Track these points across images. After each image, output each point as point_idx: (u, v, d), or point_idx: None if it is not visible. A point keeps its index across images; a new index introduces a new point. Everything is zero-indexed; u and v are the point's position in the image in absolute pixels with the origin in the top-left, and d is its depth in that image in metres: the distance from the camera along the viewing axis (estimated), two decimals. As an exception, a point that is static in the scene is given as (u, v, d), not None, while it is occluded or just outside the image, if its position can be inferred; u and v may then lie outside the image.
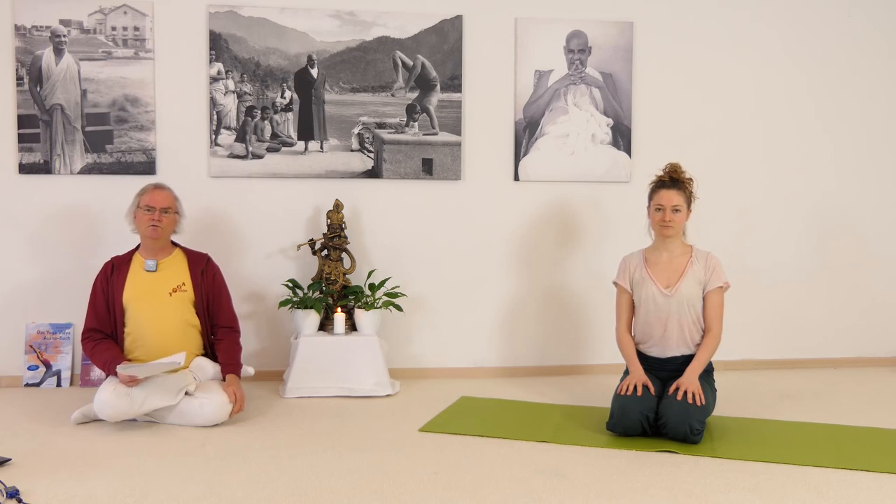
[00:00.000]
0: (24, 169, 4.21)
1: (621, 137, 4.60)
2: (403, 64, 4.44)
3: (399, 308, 4.20)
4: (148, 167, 4.27)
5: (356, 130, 4.42)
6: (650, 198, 3.54)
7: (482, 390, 4.19)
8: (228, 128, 4.32)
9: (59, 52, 4.19)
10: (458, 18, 4.46)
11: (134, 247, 3.71)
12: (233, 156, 4.33)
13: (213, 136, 4.31)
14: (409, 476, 2.82)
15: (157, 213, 3.57)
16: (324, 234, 4.25)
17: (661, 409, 3.26)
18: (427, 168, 4.46)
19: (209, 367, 3.61)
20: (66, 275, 4.23)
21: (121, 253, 3.72)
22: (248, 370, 3.73)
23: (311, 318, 4.08)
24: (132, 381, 3.31)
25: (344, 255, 4.28)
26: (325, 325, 4.18)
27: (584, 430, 3.40)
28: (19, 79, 4.18)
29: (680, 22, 4.64)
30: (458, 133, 4.48)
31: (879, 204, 4.85)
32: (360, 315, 4.11)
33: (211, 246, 4.13)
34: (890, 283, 4.89)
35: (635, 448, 3.15)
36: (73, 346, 4.25)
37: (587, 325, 4.63)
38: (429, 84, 4.46)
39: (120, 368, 3.29)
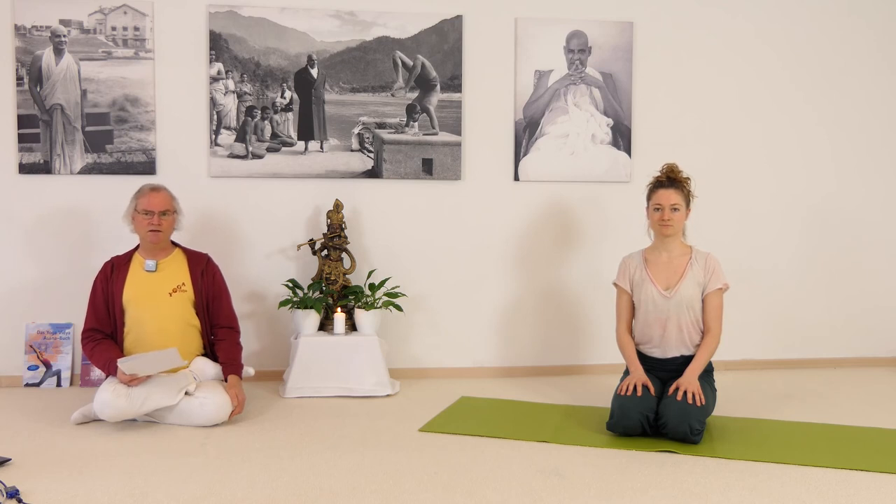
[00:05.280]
0: (24, 169, 4.21)
1: (621, 137, 4.60)
2: (403, 64, 4.44)
3: (399, 308, 4.20)
4: (148, 167, 4.27)
5: (356, 130, 4.42)
6: (648, 198, 3.55)
7: (482, 390, 4.19)
8: (228, 128, 4.32)
9: (59, 52, 4.19)
10: (458, 18, 4.46)
11: (134, 247, 3.71)
12: (233, 156, 4.33)
13: (213, 136, 4.31)
14: (409, 476, 2.82)
15: (156, 216, 3.55)
16: (324, 234, 4.25)
17: (661, 409, 3.26)
18: (427, 168, 4.46)
19: (209, 368, 3.61)
20: (66, 275, 4.23)
21: (120, 253, 3.72)
22: (248, 371, 3.73)
23: (311, 318, 4.08)
24: (133, 381, 3.32)
25: (344, 255, 4.28)
26: (325, 325, 4.18)
27: (584, 430, 3.40)
28: (19, 79, 4.18)
29: (680, 22, 4.64)
30: (458, 133, 4.48)
31: (879, 205, 4.85)
32: (360, 315, 4.11)
33: (211, 246, 4.13)
34: (890, 283, 4.89)
35: (635, 448, 3.15)
36: (73, 346, 4.24)
37: (587, 325, 4.63)
38: (429, 84, 4.46)
39: (120, 362, 3.29)
